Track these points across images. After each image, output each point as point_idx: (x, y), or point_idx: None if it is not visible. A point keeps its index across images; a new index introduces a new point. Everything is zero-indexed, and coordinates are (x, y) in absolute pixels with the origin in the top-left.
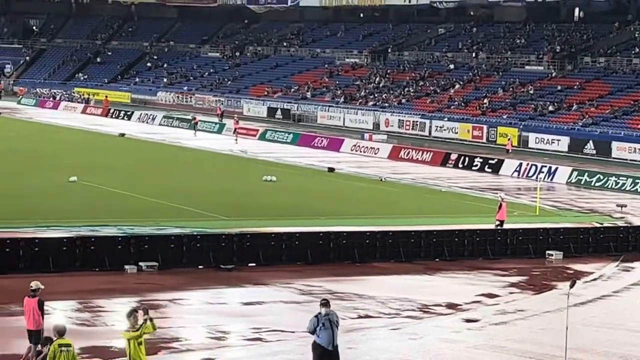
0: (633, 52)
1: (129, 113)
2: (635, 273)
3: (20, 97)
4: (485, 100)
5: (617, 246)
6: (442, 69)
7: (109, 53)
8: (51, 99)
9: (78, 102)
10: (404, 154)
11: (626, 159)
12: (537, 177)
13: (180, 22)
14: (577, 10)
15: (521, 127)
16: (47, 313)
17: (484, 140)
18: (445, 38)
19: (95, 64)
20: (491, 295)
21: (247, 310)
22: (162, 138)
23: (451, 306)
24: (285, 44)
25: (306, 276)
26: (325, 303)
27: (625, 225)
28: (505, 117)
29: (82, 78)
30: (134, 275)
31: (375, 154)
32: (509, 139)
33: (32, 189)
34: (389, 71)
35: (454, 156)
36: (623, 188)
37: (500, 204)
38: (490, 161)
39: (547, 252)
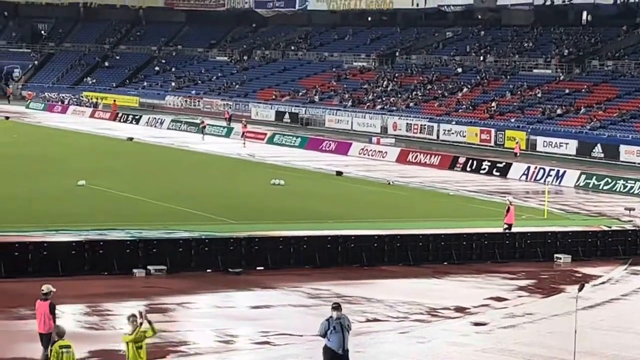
0: None
1: (137, 117)
2: None
3: (29, 101)
4: (493, 104)
5: (626, 249)
6: (449, 72)
7: (117, 57)
8: (59, 103)
9: (86, 106)
10: (412, 157)
11: (634, 162)
12: (545, 181)
13: (188, 26)
14: (584, 13)
15: (529, 130)
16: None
17: (492, 143)
18: (453, 41)
19: (103, 68)
20: (499, 299)
21: (255, 313)
22: (170, 142)
23: (459, 310)
24: (293, 47)
25: (314, 280)
26: (336, 307)
27: (634, 228)
28: (513, 120)
29: (90, 82)
30: (142, 279)
31: (383, 157)
32: (517, 143)
33: (40, 193)
34: (396, 75)
35: (462, 160)
36: (631, 191)
37: (508, 208)
38: (498, 164)
39: (556, 255)
